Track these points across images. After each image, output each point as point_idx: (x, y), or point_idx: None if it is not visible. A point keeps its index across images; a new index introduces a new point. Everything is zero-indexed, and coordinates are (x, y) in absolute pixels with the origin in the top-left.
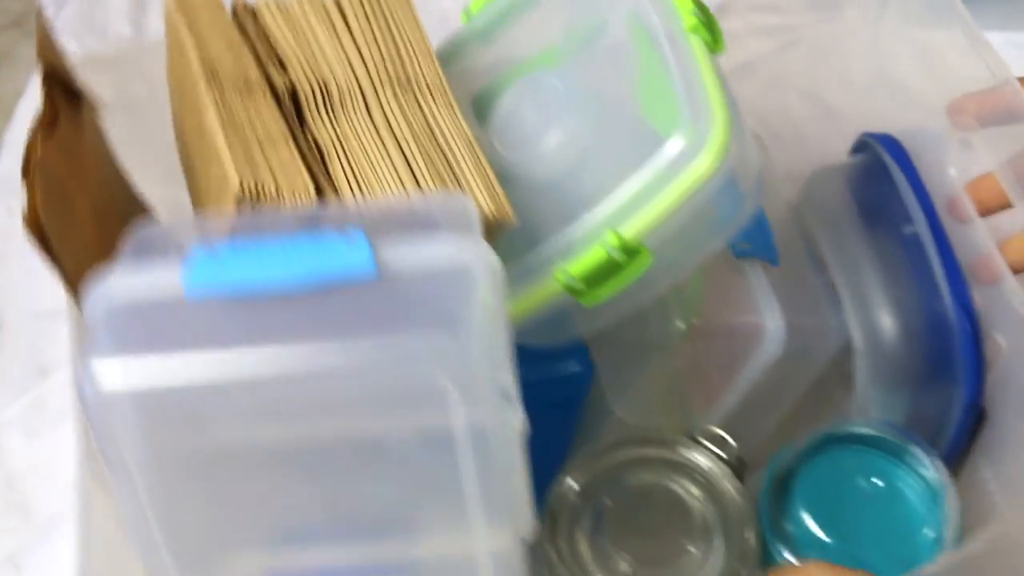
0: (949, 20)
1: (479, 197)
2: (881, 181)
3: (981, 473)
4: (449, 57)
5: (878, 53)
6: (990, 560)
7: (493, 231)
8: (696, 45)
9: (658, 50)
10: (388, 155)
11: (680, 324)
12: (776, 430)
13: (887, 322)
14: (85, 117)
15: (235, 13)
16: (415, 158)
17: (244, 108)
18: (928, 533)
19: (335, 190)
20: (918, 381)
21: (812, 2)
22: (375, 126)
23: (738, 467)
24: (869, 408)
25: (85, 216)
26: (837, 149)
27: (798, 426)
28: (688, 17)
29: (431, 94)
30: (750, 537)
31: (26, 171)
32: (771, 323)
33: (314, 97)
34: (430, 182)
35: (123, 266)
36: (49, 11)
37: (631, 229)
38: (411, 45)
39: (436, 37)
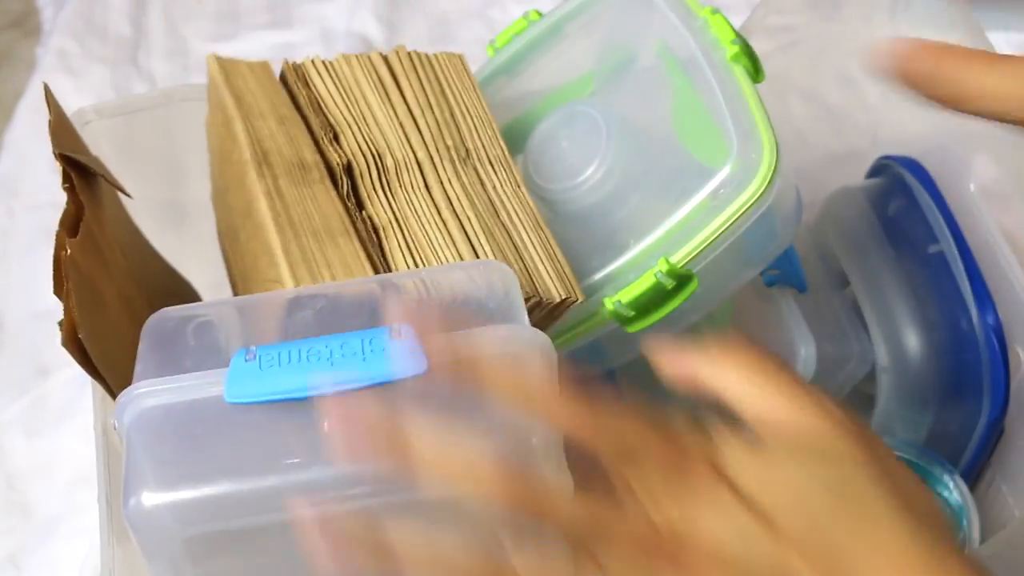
0: (951, 21)
1: (547, 278)
2: (904, 202)
3: (997, 486)
4: None
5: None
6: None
7: (561, 309)
8: (739, 75)
9: (692, 77)
10: (448, 232)
11: None
12: None
13: (912, 339)
14: (103, 194)
15: (283, 77)
16: (477, 235)
17: (300, 198)
18: None
19: (390, 270)
20: (942, 398)
21: (812, 2)
22: (433, 201)
23: None
24: (892, 425)
25: (113, 301)
26: (837, 150)
27: None
28: (730, 47)
29: (492, 167)
30: None
31: (58, 279)
32: (803, 350)
33: (370, 172)
34: (493, 258)
35: (154, 364)
36: (48, 11)
37: (682, 256)
38: (469, 114)
39: (436, 38)
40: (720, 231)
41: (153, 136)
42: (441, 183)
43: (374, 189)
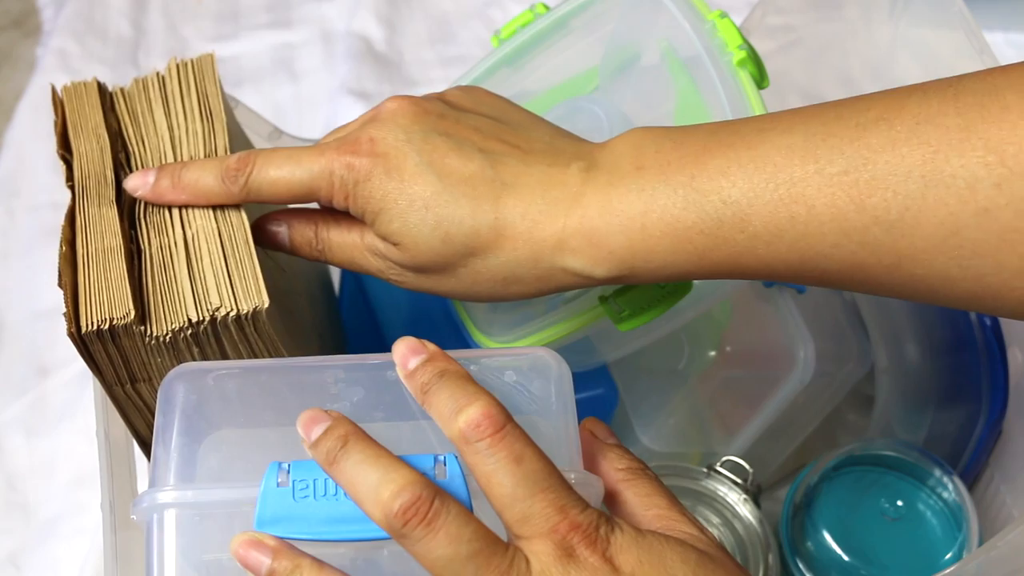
0: (951, 21)
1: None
2: None
3: (996, 486)
4: (475, 82)
5: (878, 53)
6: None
7: (256, 317)
8: (745, 80)
9: (696, 79)
10: (177, 261)
11: (711, 352)
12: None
13: (911, 341)
14: None
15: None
16: (200, 261)
17: (99, 218)
18: (949, 554)
19: (142, 302)
20: (940, 399)
21: (812, 2)
22: (178, 224)
23: (755, 493)
24: (891, 426)
25: None
26: None
27: (809, 448)
28: (737, 52)
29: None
30: (769, 562)
31: (60, 272)
32: (802, 350)
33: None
34: (207, 288)
35: (178, 431)
36: (48, 11)
37: None
38: (212, 117)
39: (436, 38)
40: None
41: None
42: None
43: (144, 211)
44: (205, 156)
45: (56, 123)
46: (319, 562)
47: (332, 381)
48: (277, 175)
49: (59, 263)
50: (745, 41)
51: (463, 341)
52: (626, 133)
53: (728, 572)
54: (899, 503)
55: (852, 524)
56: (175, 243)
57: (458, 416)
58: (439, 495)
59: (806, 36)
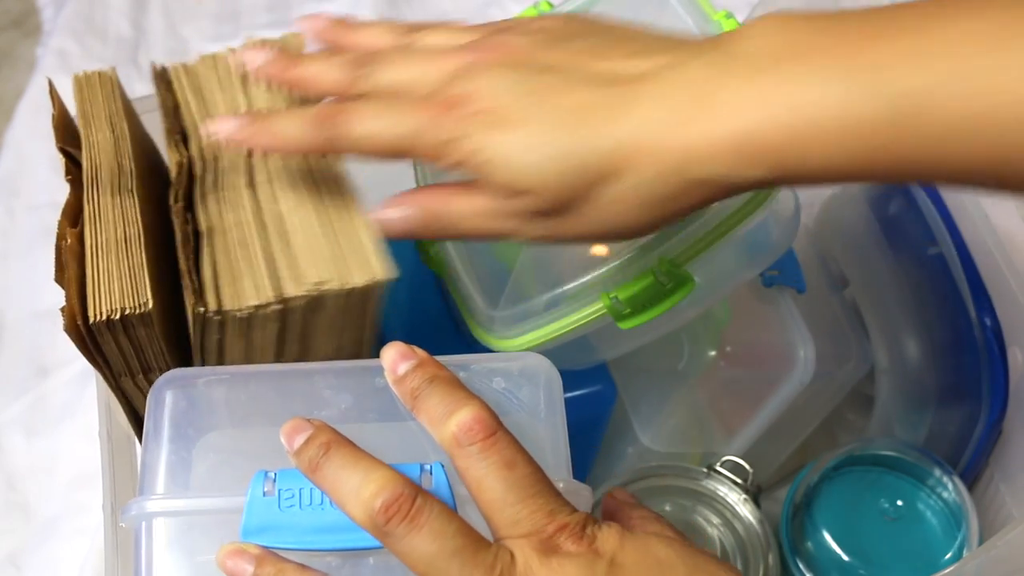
0: None
1: (352, 262)
2: (903, 203)
3: (996, 486)
4: None
5: None
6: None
7: (372, 291)
8: None
9: None
10: (266, 236)
11: (711, 352)
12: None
13: (911, 341)
14: None
15: (156, 86)
16: (288, 236)
17: (112, 207)
18: (948, 554)
19: (199, 281)
20: (940, 399)
21: (812, 2)
22: (257, 201)
23: (755, 493)
24: (891, 426)
25: None
26: None
27: (809, 448)
28: None
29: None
30: (769, 562)
31: (59, 266)
32: (802, 351)
33: (206, 175)
34: (305, 262)
35: (167, 438)
36: (48, 11)
37: (680, 256)
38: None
39: None
40: (720, 233)
41: (153, 137)
42: (269, 181)
43: (206, 192)
44: None
45: (54, 117)
46: (302, 566)
47: (322, 386)
48: (374, 127)
49: (62, 256)
50: None
51: (463, 340)
52: (758, 19)
53: (717, 566)
54: (899, 503)
55: (852, 524)
56: (256, 219)
57: (449, 420)
58: (421, 493)
59: None
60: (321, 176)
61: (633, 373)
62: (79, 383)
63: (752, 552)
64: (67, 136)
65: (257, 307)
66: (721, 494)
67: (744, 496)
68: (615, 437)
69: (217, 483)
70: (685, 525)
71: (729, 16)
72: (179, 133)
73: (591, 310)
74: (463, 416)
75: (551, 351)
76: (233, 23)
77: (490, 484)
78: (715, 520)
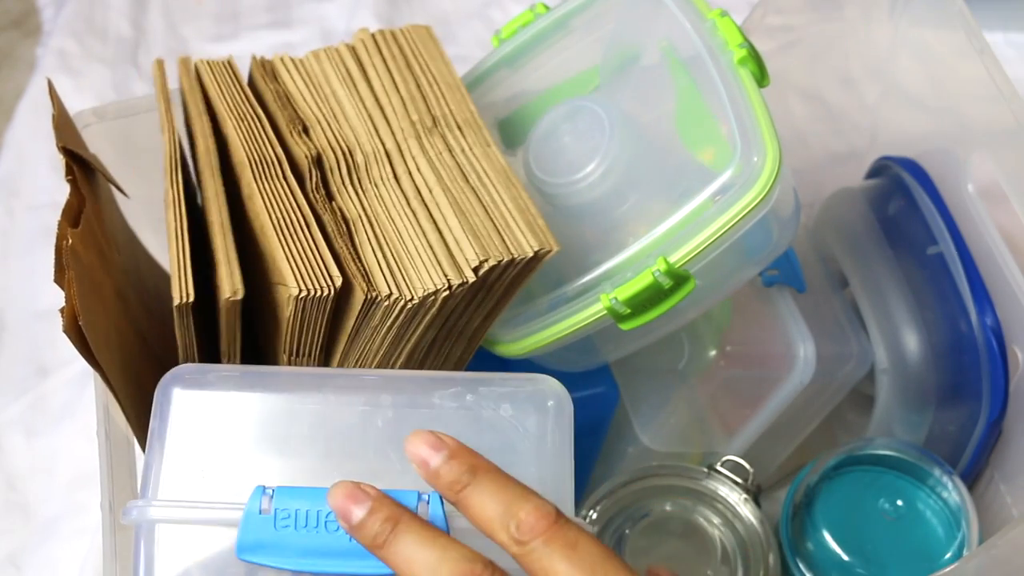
0: (951, 21)
1: (520, 233)
2: (903, 202)
3: (996, 486)
4: (475, 82)
5: (878, 53)
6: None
7: (536, 262)
8: (745, 78)
9: (697, 78)
10: (418, 223)
11: (711, 352)
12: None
13: (911, 340)
14: (101, 191)
15: (251, 75)
16: (445, 219)
17: (273, 194)
18: (948, 554)
19: (363, 266)
20: (941, 399)
21: (812, 2)
22: (403, 191)
23: (756, 493)
24: (891, 426)
25: (109, 294)
26: (837, 151)
27: (809, 447)
28: (737, 50)
29: (460, 131)
30: (769, 562)
31: (59, 267)
32: (802, 350)
33: (339, 168)
34: (465, 243)
35: (172, 439)
36: (48, 11)
37: (680, 257)
38: (435, 81)
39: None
40: (719, 234)
41: (152, 138)
42: (409, 172)
43: (343, 184)
44: (421, 124)
45: (54, 117)
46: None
47: (330, 393)
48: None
49: (62, 256)
50: (746, 39)
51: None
52: None
53: None
54: (899, 503)
55: (852, 524)
56: (409, 207)
57: (509, 523)
58: (496, 570)
59: (806, 36)
60: (469, 165)
61: (633, 373)
62: (79, 383)
63: (752, 552)
64: (68, 135)
65: (434, 292)
66: (722, 494)
67: (744, 496)
68: (615, 437)
69: (219, 487)
70: (685, 525)
71: (724, 14)
72: (300, 123)
73: (592, 312)
74: (524, 516)
75: (554, 353)
76: (233, 23)
77: (557, 570)
78: (715, 520)
